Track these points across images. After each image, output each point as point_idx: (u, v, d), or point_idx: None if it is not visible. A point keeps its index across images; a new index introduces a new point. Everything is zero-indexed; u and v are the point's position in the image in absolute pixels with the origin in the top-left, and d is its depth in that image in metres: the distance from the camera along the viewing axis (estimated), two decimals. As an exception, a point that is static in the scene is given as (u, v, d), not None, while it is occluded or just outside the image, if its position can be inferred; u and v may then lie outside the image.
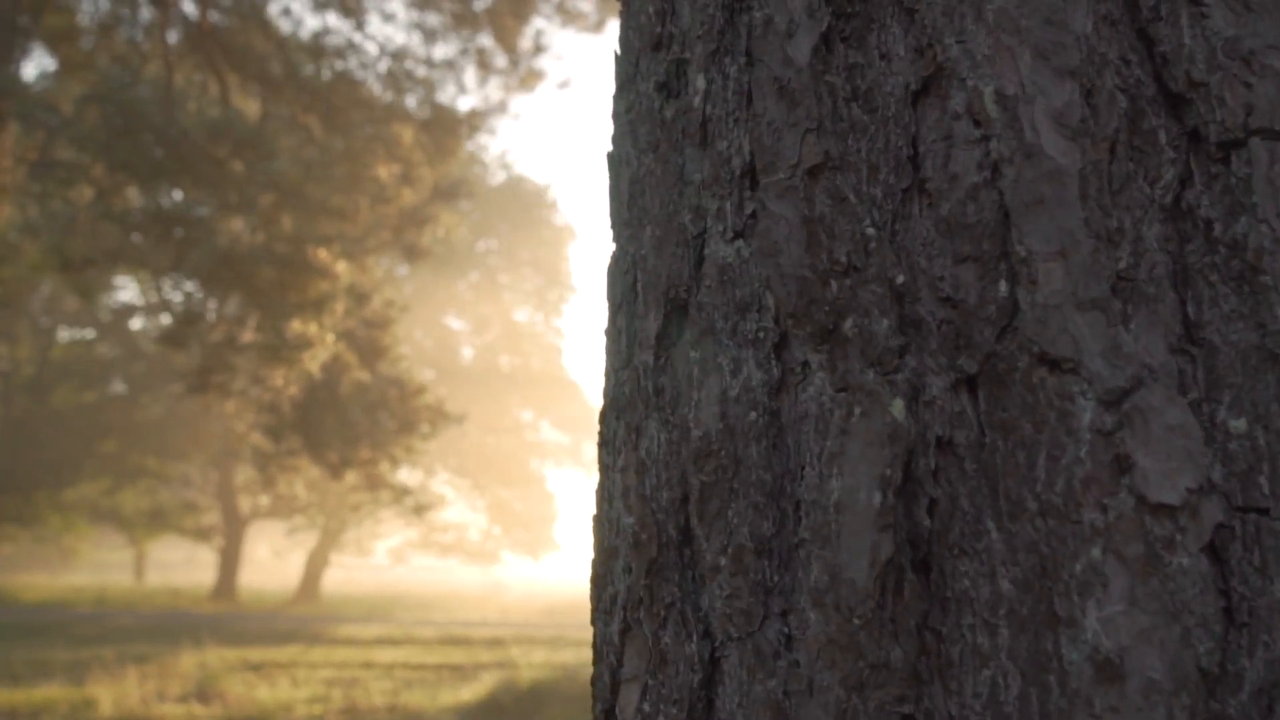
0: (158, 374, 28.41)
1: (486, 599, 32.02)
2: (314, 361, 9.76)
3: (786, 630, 0.72)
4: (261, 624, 23.20)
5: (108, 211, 9.06)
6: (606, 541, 0.96)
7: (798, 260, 0.71)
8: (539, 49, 11.33)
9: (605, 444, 0.97)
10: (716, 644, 0.78)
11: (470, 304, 35.89)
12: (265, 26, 10.80)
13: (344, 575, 39.16)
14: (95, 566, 46.52)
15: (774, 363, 0.75)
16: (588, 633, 22.27)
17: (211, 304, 11.81)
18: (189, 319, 10.09)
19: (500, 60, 11.05)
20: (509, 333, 37.51)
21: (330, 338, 9.89)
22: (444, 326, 34.53)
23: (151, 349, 28.70)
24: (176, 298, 24.63)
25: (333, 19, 10.17)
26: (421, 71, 10.86)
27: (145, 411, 28.38)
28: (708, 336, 0.78)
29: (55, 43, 10.19)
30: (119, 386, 29.33)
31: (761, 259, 0.73)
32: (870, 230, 0.70)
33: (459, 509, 36.61)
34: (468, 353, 37.28)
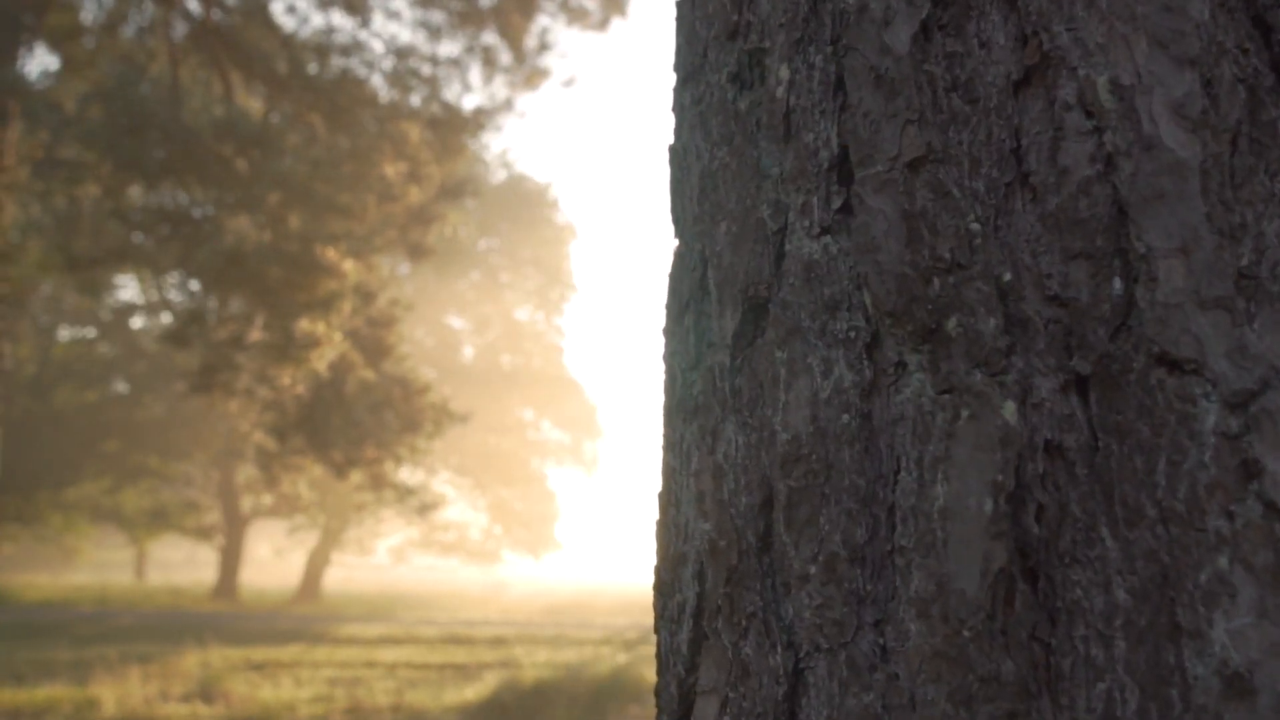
0: (159, 373, 28.37)
1: (488, 598, 31.99)
2: (321, 361, 9.72)
3: (882, 641, 0.70)
4: (263, 623, 23.17)
5: (115, 210, 9.02)
6: (673, 548, 0.93)
7: (897, 257, 0.69)
8: (544, 46, 11.29)
9: (671, 447, 0.94)
10: (801, 655, 0.75)
11: (471, 303, 35.86)
12: (269, 24, 10.76)
13: (345, 574, 39.15)
14: (96, 566, 46.48)
15: (865, 363, 0.72)
16: (590, 632, 22.38)
17: (212, 303, 11.78)
18: (193, 318, 10.05)
19: (505, 58, 11.04)
20: (510, 332, 37.47)
21: (338, 337, 9.86)
22: (445, 326, 34.50)
23: (153, 348, 28.67)
24: (177, 297, 24.61)
25: (337, 17, 10.15)
26: (426, 69, 10.83)
27: (146, 411, 28.34)
28: (795, 336, 0.75)
29: (58, 41, 10.16)
30: (120, 386, 29.29)
31: (859, 255, 0.71)
32: (975, 225, 0.67)
33: (460, 508, 36.60)
34: (469, 352, 37.26)
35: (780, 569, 0.77)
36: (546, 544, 36.88)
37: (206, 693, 13.43)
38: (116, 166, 8.32)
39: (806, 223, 0.77)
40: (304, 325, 9.27)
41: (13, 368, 21.45)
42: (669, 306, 1.02)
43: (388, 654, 17.55)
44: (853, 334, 0.73)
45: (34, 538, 30.14)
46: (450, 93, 10.67)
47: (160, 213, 9.46)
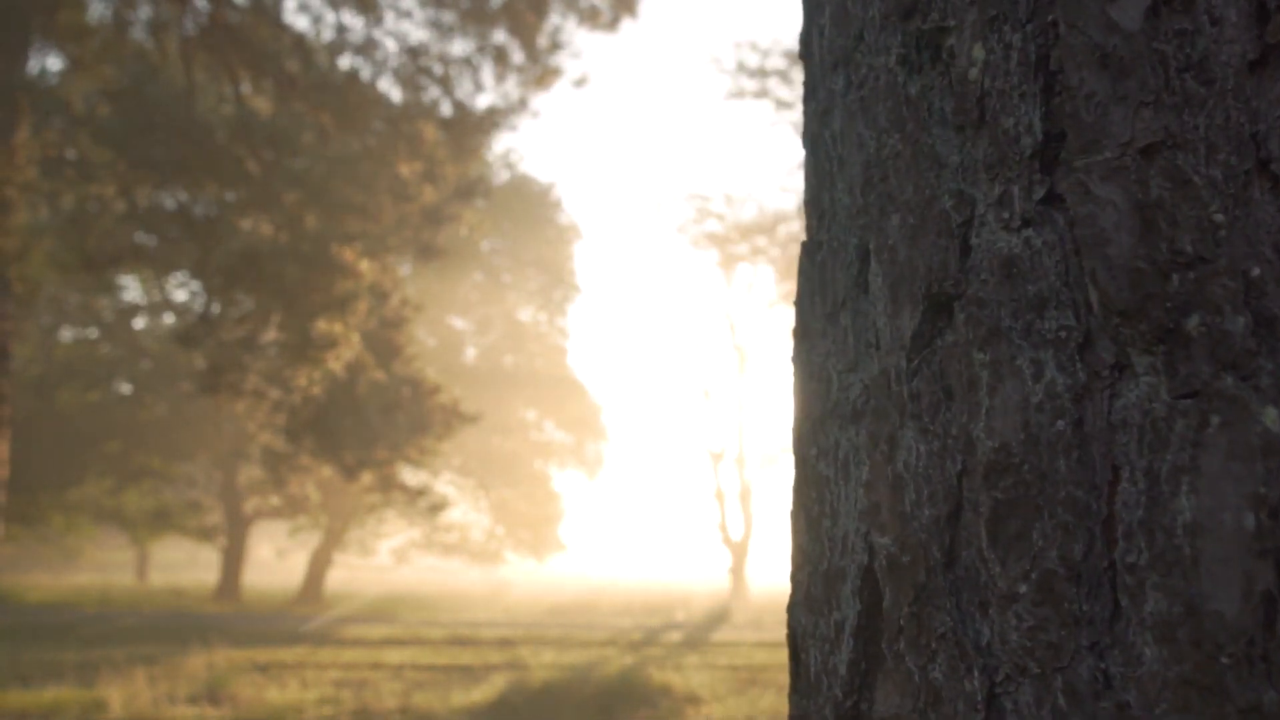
0: (162, 374, 28.30)
1: (490, 598, 31.92)
2: (338, 361, 9.66)
3: (1104, 666, 0.64)
4: (267, 624, 23.10)
5: (131, 209, 8.96)
6: (826, 562, 0.88)
7: (1130, 250, 0.63)
8: (556, 45, 11.21)
9: (823, 455, 0.88)
10: (997, 680, 0.70)
11: (474, 304, 35.77)
12: (278, 23, 10.70)
13: (347, 575, 39.08)
14: (98, 566, 46.41)
15: (1078, 365, 0.67)
16: (596, 633, 22.30)
17: (217, 305, 11.71)
18: (204, 319, 9.98)
19: (518, 57, 10.96)
20: (513, 333, 37.38)
21: (355, 337, 9.79)
22: (448, 326, 34.42)
23: (156, 348, 28.59)
24: (181, 296, 24.54)
25: (347, 16, 10.05)
26: (438, 69, 10.76)
27: (149, 411, 28.27)
28: (997, 337, 0.70)
29: (66, 41, 10.10)
30: (123, 386, 29.22)
31: (1086, 249, 0.65)
32: (1219, 216, 0.62)
33: (462, 509, 36.51)
34: (471, 353, 37.18)
35: (975, 586, 0.71)
36: (550, 545, 36.79)
37: (213, 694, 13.37)
38: (131, 166, 8.26)
39: (1005, 215, 0.71)
40: (321, 326, 9.21)
41: (17, 368, 21.37)
42: (808, 306, 0.96)
43: (393, 655, 17.48)
44: (1063, 334, 0.67)
45: (36, 538, 30.07)
46: (462, 92, 10.63)
47: (175, 212, 9.39)
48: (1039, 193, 0.70)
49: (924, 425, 0.76)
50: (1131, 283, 0.63)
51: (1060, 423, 0.66)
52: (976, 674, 0.70)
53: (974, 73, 0.73)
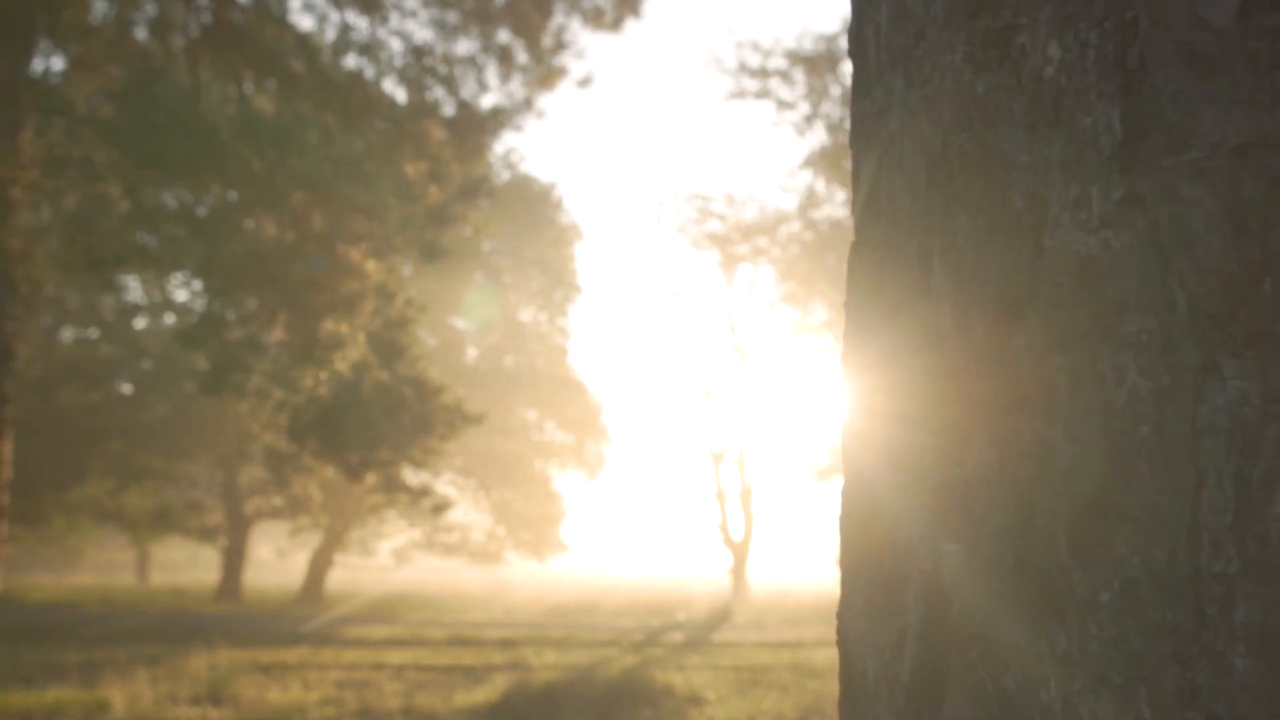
0: (163, 374, 28.28)
1: (491, 599, 31.90)
2: (344, 362, 9.64)
3: (1190, 676, 0.63)
4: (268, 624, 23.08)
5: (137, 209, 8.94)
6: (887, 568, 0.86)
7: (1220, 253, 0.62)
8: (561, 45, 11.20)
9: (883, 458, 0.87)
10: (1074, 689, 0.69)
11: (475, 304, 35.74)
12: (282, 23, 10.68)
13: (348, 575, 39.06)
14: (98, 566, 46.38)
15: (1160, 369, 0.66)
16: (598, 634, 22.25)
17: (218, 305, 11.68)
18: (208, 319, 9.97)
19: (523, 57, 10.94)
20: (514, 333, 37.37)
21: (361, 338, 9.77)
22: (449, 327, 34.40)
23: (157, 349, 28.57)
24: (182, 296, 24.50)
25: (351, 15, 10.04)
26: (442, 69, 10.74)
27: (150, 412, 28.25)
28: (1075, 340, 0.69)
29: (71, 40, 10.08)
30: (124, 386, 29.21)
31: (1173, 251, 0.64)
32: (1313, 217, 0.60)
33: (463, 509, 36.46)
34: (472, 353, 37.16)
35: (1050, 594, 0.70)
36: (551, 545, 36.77)
37: (215, 695, 13.35)
38: (137, 165, 8.24)
39: (1082, 215, 0.70)
40: (328, 326, 9.19)
41: (18, 368, 21.34)
42: (861, 307, 0.95)
43: (395, 656, 17.45)
44: (1144, 337, 0.66)
45: (37, 539, 30.05)
46: (467, 92, 10.62)
47: (181, 212, 9.37)
48: (1117, 193, 0.68)
49: (993, 430, 0.74)
50: (1222, 285, 0.62)
51: (1143, 428, 0.65)
52: (1053, 683, 0.69)
53: (1049, 71, 0.72)
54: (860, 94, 0.98)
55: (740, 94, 30.70)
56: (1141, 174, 0.67)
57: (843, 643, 0.97)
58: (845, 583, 0.98)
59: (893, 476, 0.85)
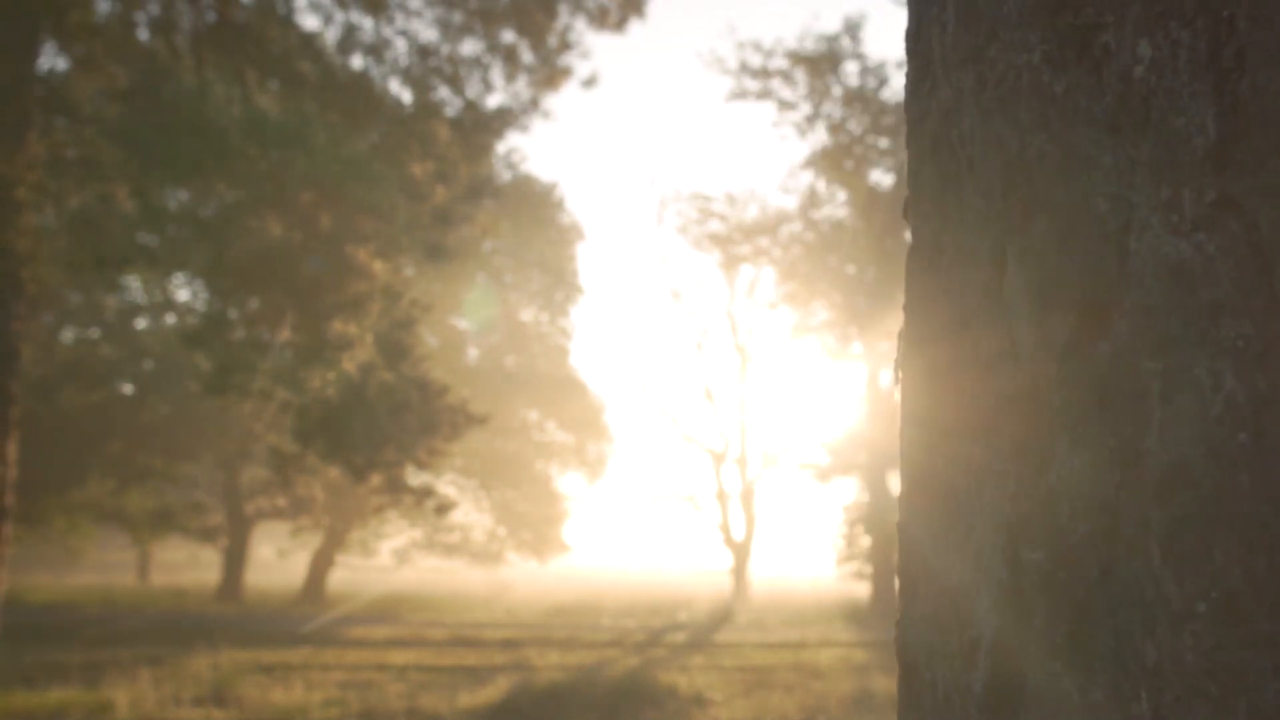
0: (164, 374, 28.25)
1: (492, 599, 31.90)
2: (352, 363, 9.62)
3: (1294, 690, 0.62)
4: (270, 625, 23.08)
5: (144, 209, 8.93)
6: (959, 577, 0.85)
7: (1329, 256, 0.60)
8: (566, 45, 11.19)
9: (953, 466, 0.85)
10: (1165, 701, 0.67)
11: (477, 304, 35.71)
12: (287, 22, 10.66)
13: (348, 575, 39.05)
14: (99, 567, 46.37)
15: (1258, 375, 0.64)
16: (601, 634, 22.20)
17: (218, 304, 11.67)
18: (214, 319, 9.95)
19: (528, 57, 10.92)
20: (515, 333, 37.35)
21: (369, 338, 9.76)
22: (450, 327, 34.38)
23: (158, 349, 28.54)
24: (184, 296, 24.48)
25: (355, 15, 10.00)
26: (447, 69, 10.72)
27: (152, 412, 28.22)
28: (1170, 345, 0.67)
29: (76, 40, 10.06)
30: (125, 387, 29.17)
31: (1274, 255, 0.62)
32: None
33: (464, 509, 36.44)
34: (473, 353, 37.14)
35: (1139, 604, 0.68)
36: (552, 546, 36.76)
37: (219, 696, 13.34)
38: (145, 165, 8.23)
39: (1173, 218, 0.68)
40: (337, 326, 9.18)
41: (24, 368, 21.31)
42: (926, 312, 0.93)
43: (397, 656, 17.44)
44: (1241, 343, 0.65)
45: (38, 539, 30.02)
46: (472, 92, 10.61)
47: (188, 213, 9.35)
48: (1211, 195, 0.67)
49: (1077, 436, 0.73)
50: (1330, 289, 0.60)
51: (1242, 435, 0.64)
52: (1144, 695, 0.68)
53: (1139, 71, 0.70)
54: (921, 94, 0.96)
55: (741, 94, 30.68)
56: (1237, 176, 0.66)
57: (904, 652, 0.96)
58: (905, 592, 0.96)
59: (963, 484, 0.84)
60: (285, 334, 9.61)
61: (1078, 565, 0.72)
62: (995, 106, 0.82)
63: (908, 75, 1.02)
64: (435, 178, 10.00)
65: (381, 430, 10.64)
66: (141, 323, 30.18)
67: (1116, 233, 0.72)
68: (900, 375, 1.00)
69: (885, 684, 13.92)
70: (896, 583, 1.01)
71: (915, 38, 0.99)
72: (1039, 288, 0.76)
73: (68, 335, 30.57)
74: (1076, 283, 0.74)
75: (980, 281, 0.84)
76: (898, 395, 1.04)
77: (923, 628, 0.90)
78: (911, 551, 0.94)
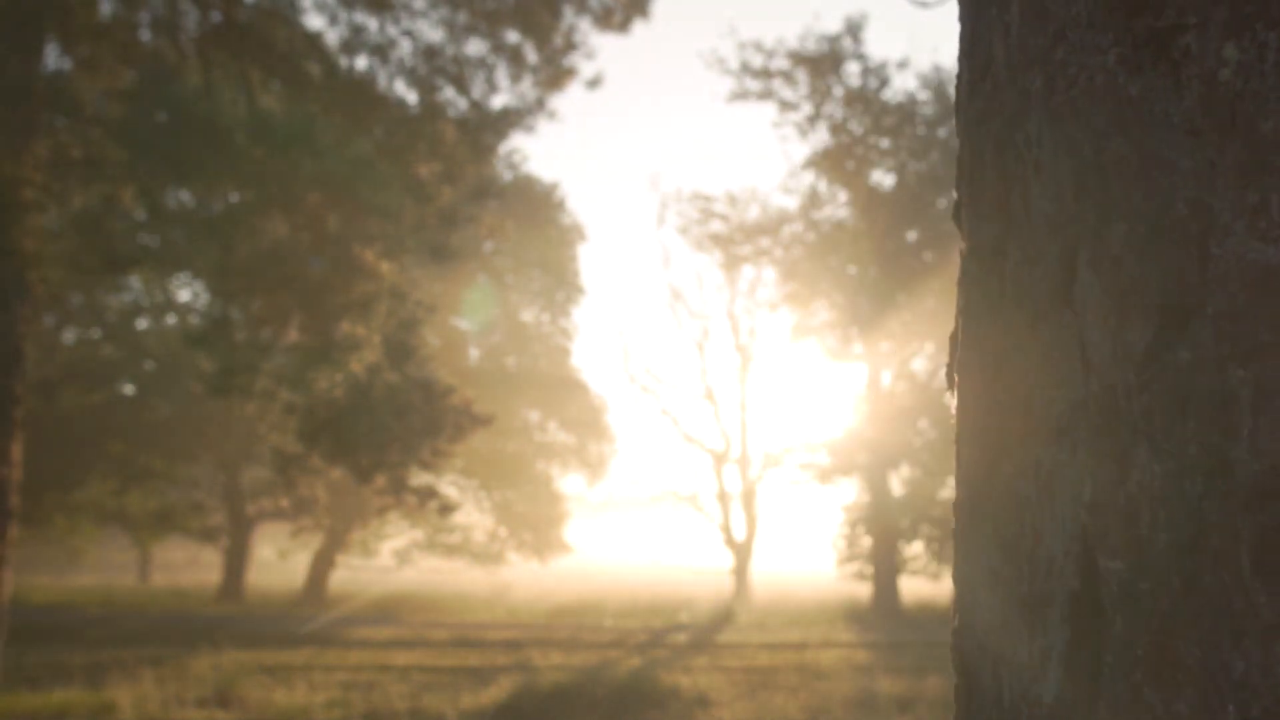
0: (166, 375, 28.25)
1: (493, 599, 31.90)
2: (360, 364, 9.62)
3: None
4: (271, 626, 23.08)
5: (152, 210, 8.92)
6: (1028, 585, 0.84)
7: None
8: (571, 46, 11.18)
9: (1022, 474, 0.84)
10: (1252, 715, 0.66)
11: (477, 304, 35.69)
12: (291, 22, 10.66)
13: (349, 576, 39.05)
14: (100, 567, 46.36)
15: (1353, 384, 0.63)
16: (603, 635, 22.20)
17: (230, 306, 11.67)
18: (219, 320, 9.94)
19: (533, 57, 10.91)
20: (516, 334, 37.33)
21: (377, 339, 9.76)
22: (451, 327, 34.37)
23: (159, 350, 28.54)
24: (185, 296, 24.47)
25: (360, 15, 9.95)
26: (452, 69, 10.72)
27: (153, 413, 28.21)
28: (1260, 352, 0.66)
29: (82, 41, 10.06)
30: (126, 387, 29.16)
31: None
32: None
33: (465, 510, 36.39)
34: (474, 354, 37.12)
35: (1225, 615, 0.67)
36: (553, 546, 36.75)
37: (222, 697, 13.33)
38: (152, 166, 8.21)
39: (1261, 224, 0.67)
40: (345, 327, 9.18)
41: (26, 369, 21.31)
42: (990, 317, 0.92)
43: (400, 657, 17.44)
44: (1334, 350, 0.64)
45: (39, 540, 30.02)
46: (477, 92, 10.61)
47: (196, 213, 9.34)
48: (1299, 200, 0.66)
49: (1158, 444, 0.72)
50: None
51: (1337, 444, 0.63)
52: (1232, 708, 0.67)
53: (1225, 74, 0.69)
54: (979, 96, 0.95)
55: (743, 95, 30.67)
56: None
57: (962, 660, 0.95)
58: (964, 600, 0.95)
59: (1031, 492, 0.83)
60: (293, 335, 9.60)
61: (1161, 575, 0.71)
62: (1067, 109, 0.81)
63: (961, 77, 1.01)
64: (442, 178, 10.00)
65: (387, 431, 10.64)
66: (142, 323, 30.17)
67: (1197, 237, 0.71)
68: (956, 379, 0.99)
69: (888, 685, 13.91)
70: (953, 590, 1.00)
71: (971, 39, 0.98)
72: (1116, 293, 0.75)
73: (69, 336, 30.55)
74: (1156, 288, 0.73)
75: (1048, 286, 0.83)
76: (951, 400, 1.03)
77: (987, 636, 0.89)
78: (972, 559, 0.93)
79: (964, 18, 1.01)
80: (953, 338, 1.05)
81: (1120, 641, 0.73)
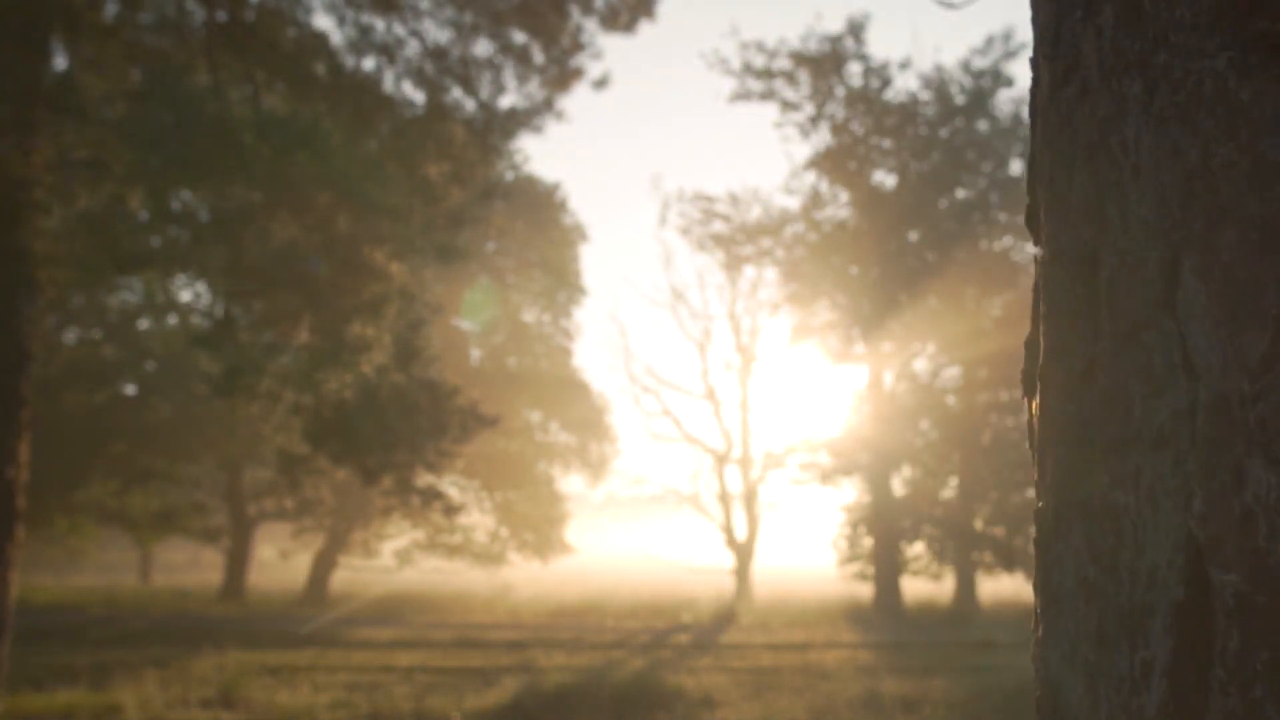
0: (168, 375, 28.24)
1: (495, 600, 31.90)
2: (369, 365, 9.61)
3: None
4: (274, 626, 23.06)
5: (161, 210, 8.90)
6: (1124, 596, 0.83)
7: None
8: (578, 47, 11.18)
9: (1119, 483, 0.83)
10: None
11: (479, 305, 35.67)
12: (296, 22, 10.65)
13: (350, 576, 39.04)
14: (100, 568, 46.35)
15: None
16: (606, 636, 22.16)
17: (237, 307, 11.65)
18: (226, 321, 9.92)
19: (539, 58, 10.90)
20: (517, 334, 37.31)
21: (387, 340, 9.74)
22: (452, 328, 34.34)
23: (161, 350, 28.52)
24: (186, 296, 24.45)
25: (366, 16, 9.96)
26: (459, 69, 10.71)
27: (154, 413, 28.20)
28: (1391, 362, 0.65)
29: (88, 41, 10.04)
30: (128, 388, 29.14)
31: None
32: None
33: (466, 510, 36.34)
34: (476, 354, 37.10)
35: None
36: (554, 547, 36.71)
37: (226, 698, 13.32)
38: (161, 167, 8.20)
39: (1383, 230, 0.66)
40: (355, 329, 9.17)
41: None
42: (1079, 323, 0.91)
43: (403, 658, 17.42)
44: None
45: (40, 540, 30.00)
46: (485, 93, 10.63)
47: (205, 213, 9.33)
48: None
49: (1274, 454, 0.71)
50: None
51: None
52: (1360, 725, 0.66)
53: (1349, 77, 0.68)
54: (1065, 99, 0.94)
55: (745, 95, 30.66)
56: None
57: (1048, 671, 0.94)
58: (1050, 610, 0.94)
59: (1133, 501, 0.82)
60: (303, 336, 9.60)
61: (1278, 588, 0.70)
62: (1171, 114, 0.80)
63: (1040, 80, 1.00)
64: (450, 179, 9.99)
65: (393, 432, 10.62)
66: (144, 324, 30.14)
67: (1315, 245, 0.70)
68: (1039, 387, 0.98)
69: (893, 685, 13.90)
70: (1035, 600, 0.99)
71: (1055, 42, 0.97)
72: (1227, 300, 0.74)
73: (70, 336, 30.53)
74: (1271, 296, 0.72)
75: (1148, 293, 0.82)
76: (1032, 408, 1.02)
77: (1079, 646, 0.88)
78: (1060, 567, 0.91)
79: (1043, 21, 1.00)
80: (1030, 344, 1.04)
81: (1234, 655, 0.72)
